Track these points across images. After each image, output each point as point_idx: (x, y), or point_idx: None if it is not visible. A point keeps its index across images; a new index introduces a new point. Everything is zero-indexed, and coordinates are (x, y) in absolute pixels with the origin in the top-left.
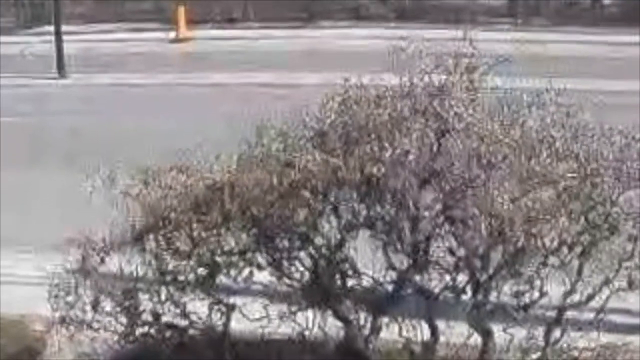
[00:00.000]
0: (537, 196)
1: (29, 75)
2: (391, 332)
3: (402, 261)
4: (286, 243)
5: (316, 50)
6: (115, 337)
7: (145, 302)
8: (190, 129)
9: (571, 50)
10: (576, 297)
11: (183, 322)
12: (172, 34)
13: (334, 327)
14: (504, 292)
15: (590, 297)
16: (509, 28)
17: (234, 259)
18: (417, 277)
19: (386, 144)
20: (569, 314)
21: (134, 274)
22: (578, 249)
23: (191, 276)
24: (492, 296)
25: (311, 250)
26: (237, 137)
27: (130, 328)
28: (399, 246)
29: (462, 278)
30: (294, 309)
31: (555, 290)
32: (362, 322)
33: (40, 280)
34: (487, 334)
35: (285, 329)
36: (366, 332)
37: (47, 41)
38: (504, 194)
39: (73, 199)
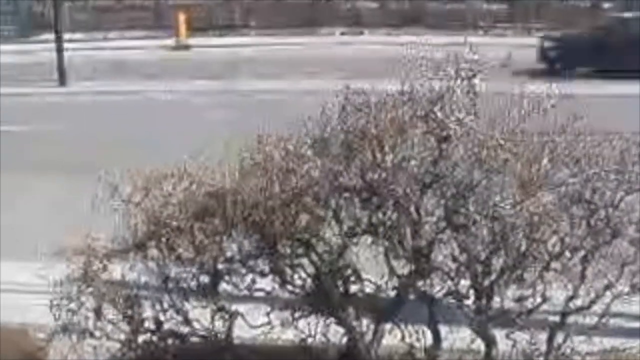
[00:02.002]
0: (539, 201)
1: (30, 84)
2: (394, 338)
3: (404, 267)
4: (288, 250)
5: (317, 56)
6: (118, 345)
7: (148, 310)
8: (191, 136)
9: None
10: (579, 302)
11: (185, 330)
12: (172, 42)
13: (336, 333)
14: (507, 297)
15: (593, 302)
16: (509, 32)
17: (236, 265)
18: (420, 283)
19: (387, 150)
20: (572, 318)
21: (136, 281)
22: (580, 254)
23: (193, 283)
24: (495, 301)
25: (313, 256)
26: (238, 143)
27: (133, 336)
28: (401, 252)
29: (464, 283)
30: (296, 315)
31: (557, 295)
32: (364, 328)
33: (41, 288)
34: (490, 340)
35: (287, 336)
36: (369, 338)
37: (48, 49)
38: (505, 199)
39: (75, 206)
